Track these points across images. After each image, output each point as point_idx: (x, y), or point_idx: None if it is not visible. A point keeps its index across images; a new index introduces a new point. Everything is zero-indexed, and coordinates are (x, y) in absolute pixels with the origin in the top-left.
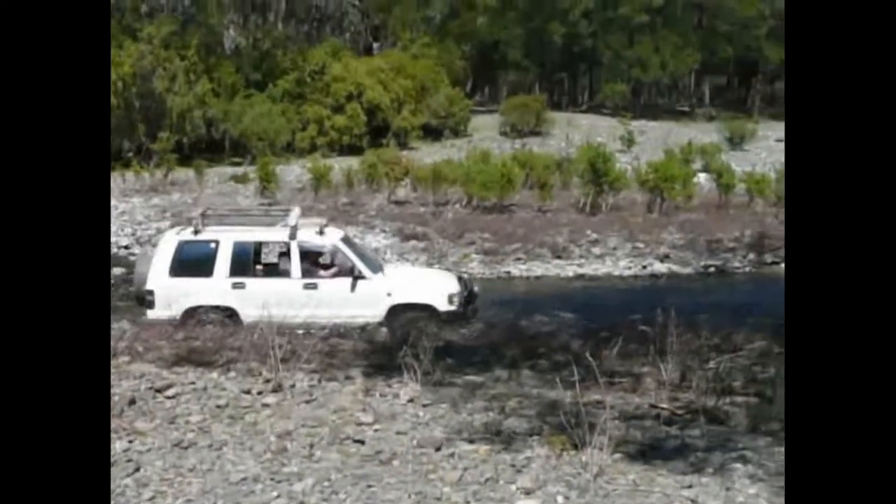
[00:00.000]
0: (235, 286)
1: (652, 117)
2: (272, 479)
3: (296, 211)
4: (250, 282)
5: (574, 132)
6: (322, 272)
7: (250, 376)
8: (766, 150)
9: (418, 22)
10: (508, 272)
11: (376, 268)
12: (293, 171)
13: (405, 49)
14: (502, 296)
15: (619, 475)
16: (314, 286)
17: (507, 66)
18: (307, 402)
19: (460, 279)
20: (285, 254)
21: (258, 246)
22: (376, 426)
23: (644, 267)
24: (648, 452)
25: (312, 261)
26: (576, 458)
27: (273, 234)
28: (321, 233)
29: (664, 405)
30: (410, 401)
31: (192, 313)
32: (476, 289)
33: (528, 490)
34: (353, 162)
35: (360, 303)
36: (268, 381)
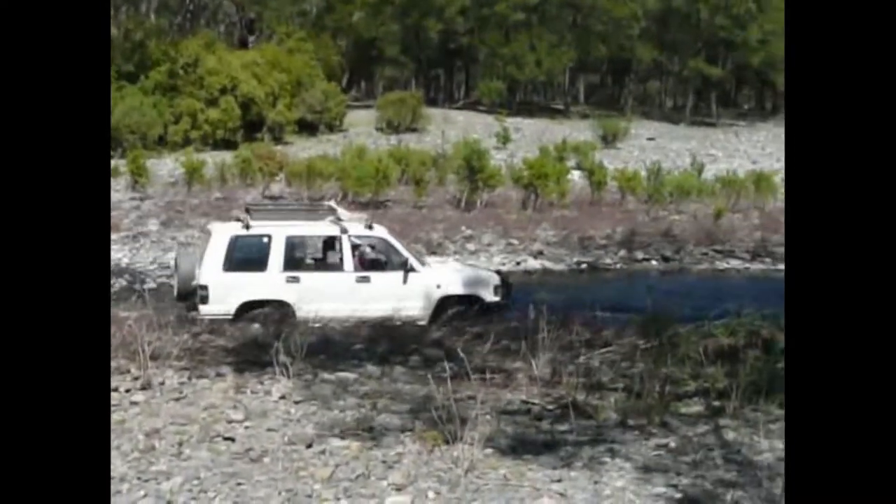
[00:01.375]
0: (290, 280)
1: (527, 115)
2: (139, 479)
3: (332, 204)
4: (304, 276)
5: (450, 129)
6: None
7: (118, 374)
8: (638, 148)
9: (294, 16)
10: None
11: (423, 262)
12: (166, 165)
13: (280, 43)
14: None
15: (489, 470)
16: (367, 279)
17: (384, 61)
18: (176, 399)
19: (498, 272)
20: (330, 247)
21: (309, 240)
22: (247, 423)
23: (518, 263)
24: (519, 447)
25: (359, 255)
26: (447, 453)
27: (324, 229)
28: (370, 227)
29: (535, 400)
30: (282, 397)
31: (246, 308)
32: (510, 281)
33: (400, 486)
34: (226, 156)
35: (412, 295)
36: (136, 378)
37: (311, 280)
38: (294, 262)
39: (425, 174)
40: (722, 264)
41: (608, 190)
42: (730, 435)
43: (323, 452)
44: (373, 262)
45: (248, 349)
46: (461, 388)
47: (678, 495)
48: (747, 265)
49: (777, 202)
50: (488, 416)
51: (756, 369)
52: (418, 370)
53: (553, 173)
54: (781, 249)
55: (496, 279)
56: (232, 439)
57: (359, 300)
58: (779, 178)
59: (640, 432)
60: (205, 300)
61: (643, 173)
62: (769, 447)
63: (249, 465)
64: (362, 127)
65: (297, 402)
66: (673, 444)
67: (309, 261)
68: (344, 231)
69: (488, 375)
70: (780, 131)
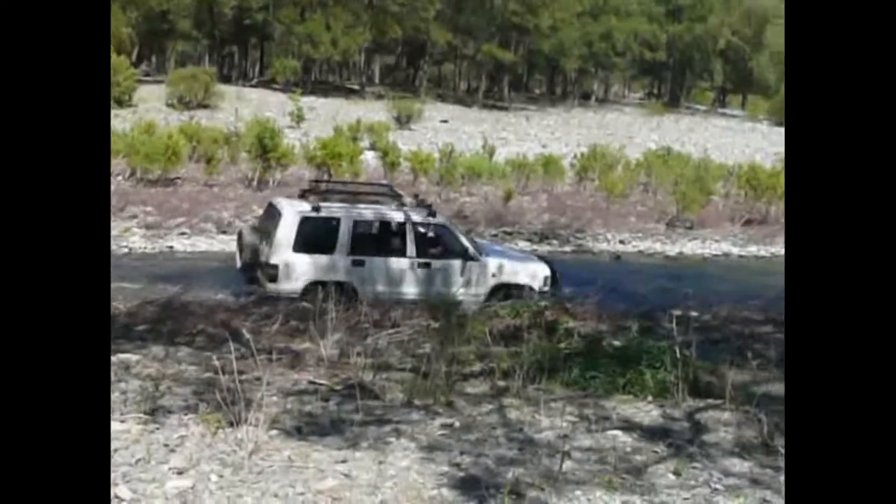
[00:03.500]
0: (356, 263)
1: (322, 94)
2: None
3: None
4: (368, 260)
5: (243, 106)
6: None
7: None
8: (431, 130)
9: None
10: (171, 247)
11: (480, 250)
12: None
13: None
14: (164, 270)
15: (274, 451)
16: (427, 265)
17: (176, 35)
18: None
19: (548, 263)
20: (392, 232)
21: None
22: None
23: None
24: (304, 428)
25: (421, 241)
26: (231, 435)
27: (388, 213)
28: (433, 214)
29: (322, 381)
30: None
31: (312, 288)
32: (558, 272)
33: (181, 469)
34: None
35: (469, 282)
36: None
37: (375, 264)
38: (359, 245)
39: (217, 152)
40: (511, 245)
41: (401, 171)
42: (512, 414)
43: None
44: (434, 248)
45: None
46: (247, 369)
47: (461, 474)
48: (535, 246)
49: (564, 185)
50: (274, 398)
51: (539, 349)
52: (204, 351)
53: (346, 153)
54: (567, 232)
55: (546, 270)
56: None
57: (417, 285)
58: (566, 162)
59: (426, 412)
60: (274, 279)
61: (436, 155)
62: (550, 425)
63: None
64: (153, 102)
65: None
66: (458, 424)
67: (372, 244)
68: (408, 217)
69: (275, 356)
70: (569, 116)
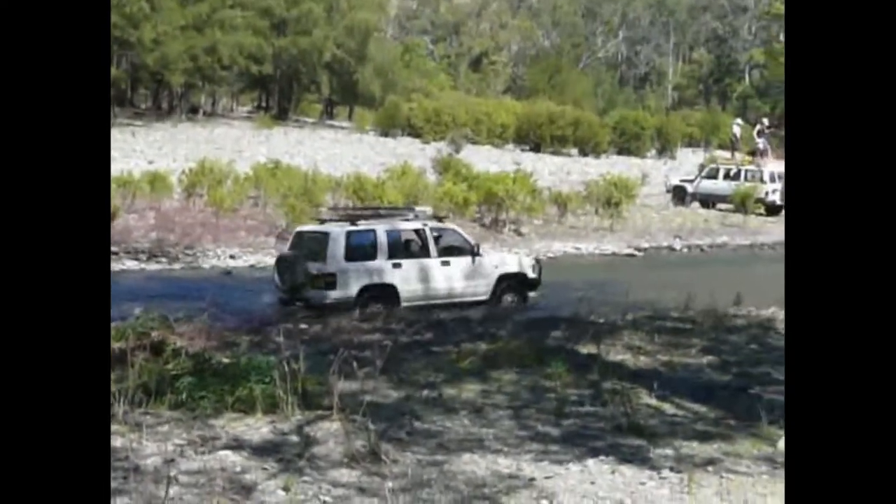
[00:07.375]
0: (395, 266)
1: None
2: None
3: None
4: (404, 262)
5: None
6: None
7: None
8: None
9: None
10: None
11: (479, 249)
12: None
13: None
14: None
15: None
16: (448, 263)
17: None
18: None
19: (529, 256)
20: (416, 239)
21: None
22: None
23: None
24: None
25: (440, 243)
26: None
27: (409, 223)
28: (441, 220)
29: None
30: None
31: (363, 291)
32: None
33: None
34: None
35: (479, 274)
36: None
37: (409, 265)
38: (395, 251)
39: None
40: (118, 266)
41: None
42: (117, 441)
43: None
44: (449, 249)
45: None
46: None
47: None
48: (143, 265)
49: (172, 202)
50: None
51: (146, 371)
52: None
53: None
54: (176, 249)
55: (533, 261)
56: None
57: (443, 280)
58: (174, 178)
59: None
60: (332, 286)
61: None
62: (156, 450)
63: None
64: None
65: None
66: None
67: (403, 250)
68: (426, 225)
69: None
70: (176, 131)
